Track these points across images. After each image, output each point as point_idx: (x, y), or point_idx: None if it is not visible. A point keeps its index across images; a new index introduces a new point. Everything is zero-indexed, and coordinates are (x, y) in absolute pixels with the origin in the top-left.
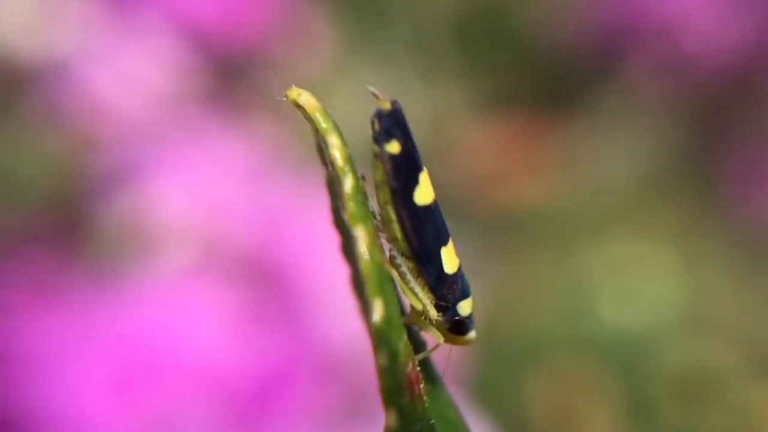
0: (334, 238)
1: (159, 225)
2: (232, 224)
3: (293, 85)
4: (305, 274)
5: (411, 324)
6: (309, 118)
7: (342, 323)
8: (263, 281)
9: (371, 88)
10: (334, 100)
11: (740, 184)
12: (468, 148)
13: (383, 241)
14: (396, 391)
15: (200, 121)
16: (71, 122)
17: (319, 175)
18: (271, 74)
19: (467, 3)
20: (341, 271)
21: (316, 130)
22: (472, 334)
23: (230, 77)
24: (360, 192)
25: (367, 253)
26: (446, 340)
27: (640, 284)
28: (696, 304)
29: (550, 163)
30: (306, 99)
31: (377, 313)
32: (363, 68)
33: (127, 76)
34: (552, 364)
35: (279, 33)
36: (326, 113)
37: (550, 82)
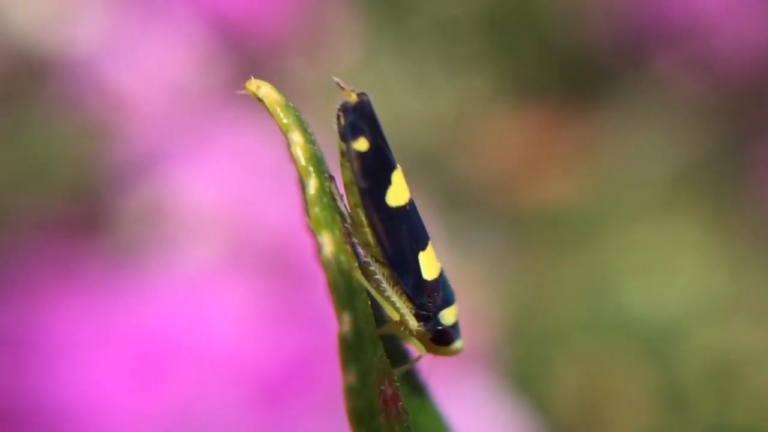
0: None
1: (181, 215)
2: (255, 216)
3: (252, 77)
4: None
5: (391, 334)
6: (270, 113)
7: None
8: (286, 272)
9: (336, 79)
10: (356, 90)
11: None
12: (493, 140)
13: (357, 245)
14: (366, 413)
15: (224, 111)
16: (95, 112)
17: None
18: (296, 65)
19: None
20: None
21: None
22: (458, 344)
23: (255, 67)
24: (325, 194)
25: (333, 261)
26: (429, 351)
27: (668, 276)
28: (723, 298)
29: (576, 157)
30: (265, 92)
31: (344, 327)
32: (387, 58)
33: (151, 66)
34: (581, 352)
35: (303, 23)
36: (288, 107)
37: (576, 75)
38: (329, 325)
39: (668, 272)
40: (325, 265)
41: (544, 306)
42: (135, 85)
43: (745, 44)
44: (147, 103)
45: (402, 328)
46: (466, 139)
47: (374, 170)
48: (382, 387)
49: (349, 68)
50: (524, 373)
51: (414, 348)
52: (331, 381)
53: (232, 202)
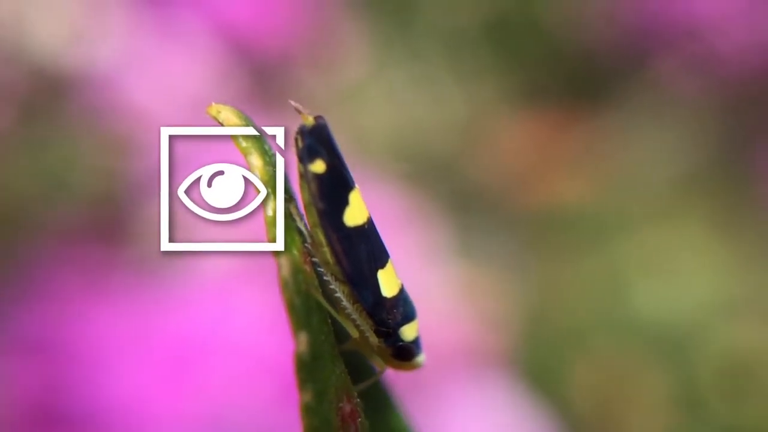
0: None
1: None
2: None
3: (213, 103)
4: None
5: (355, 349)
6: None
7: None
8: None
9: (293, 103)
10: (367, 99)
11: None
12: (502, 145)
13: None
14: (323, 431)
15: None
16: (116, 126)
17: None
18: (307, 76)
19: (499, 0)
20: None
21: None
22: (419, 359)
23: (266, 80)
24: (284, 216)
25: (290, 282)
26: (391, 366)
27: (678, 277)
28: (735, 298)
29: (585, 159)
30: (225, 116)
31: (301, 347)
32: (396, 66)
33: (168, 81)
34: (595, 353)
35: (313, 35)
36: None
37: (581, 78)
38: None
39: (678, 273)
40: (283, 285)
41: (556, 307)
42: (153, 99)
43: (747, 44)
44: (164, 116)
45: (364, 345)
46: (476, 144)
47: (331, 191)
48: (341, 404)
49: (360, 78)
50: (539, 374)
51: (376, 364)
52: None
53: None
